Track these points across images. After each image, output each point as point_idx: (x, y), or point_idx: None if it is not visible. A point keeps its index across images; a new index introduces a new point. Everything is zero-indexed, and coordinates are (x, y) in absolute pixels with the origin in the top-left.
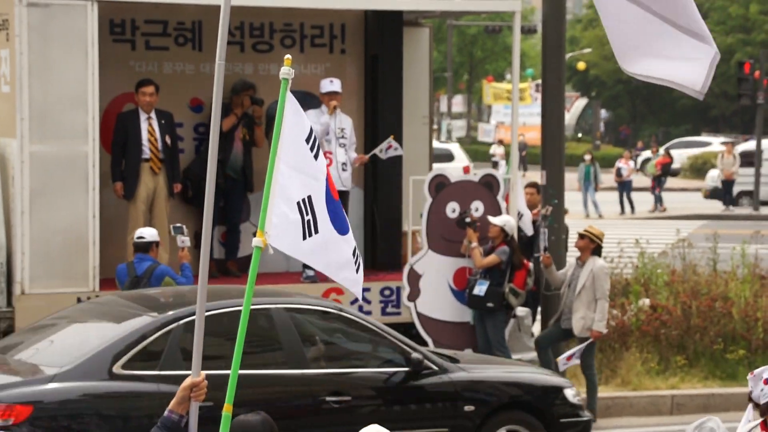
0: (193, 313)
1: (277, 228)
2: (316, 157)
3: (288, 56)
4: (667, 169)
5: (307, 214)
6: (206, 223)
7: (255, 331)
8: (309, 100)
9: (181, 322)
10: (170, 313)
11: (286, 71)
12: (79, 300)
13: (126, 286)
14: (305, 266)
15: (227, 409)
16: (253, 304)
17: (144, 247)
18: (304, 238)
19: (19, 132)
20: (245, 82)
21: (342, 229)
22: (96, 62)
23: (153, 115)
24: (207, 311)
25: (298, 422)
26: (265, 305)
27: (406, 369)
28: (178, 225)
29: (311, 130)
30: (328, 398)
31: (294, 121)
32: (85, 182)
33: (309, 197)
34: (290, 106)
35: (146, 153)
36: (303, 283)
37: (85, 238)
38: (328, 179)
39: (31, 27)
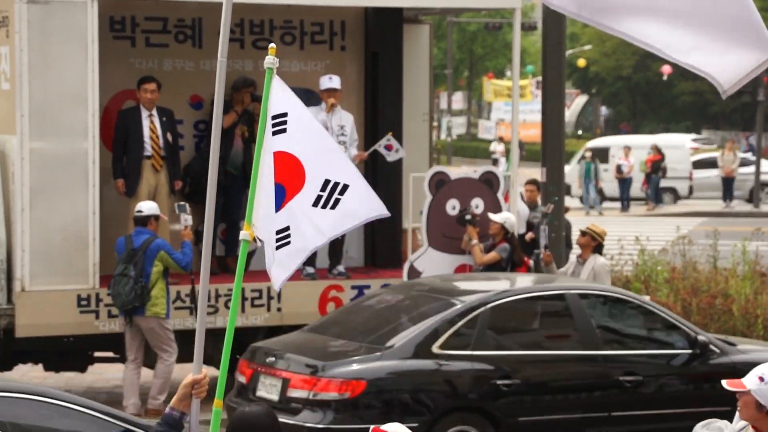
0: (498, 298)
1: (263, 219)
2: (273, 135)
3: (272, 45)
4: (657, 167)
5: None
6: (208, 219)
7: (553, 314)
8: (309, 97)
9: (488, 306)
10: (477, 297)
11: (270, 60)
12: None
13: (122, 259)
14: (305, 263)
15: (217, 405)
16: (549, 290)
17: (142, 221)
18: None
19: (19, 129)
20: (246, 79)
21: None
22: (96, 59)
23: (154, 112)
24: (514, 296)
25: (595, 399)
26: (560, 291)
27: (691, 351)
28: (182, 203)
29: (285, 112)
30: (621, 378)
31: (272, 106)
32: (85, 179)
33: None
34: (280, 94)
35: (148, 150)
36: (303, 279)
37: (85, 235)
38: (276, 160)
39: (31, 24)
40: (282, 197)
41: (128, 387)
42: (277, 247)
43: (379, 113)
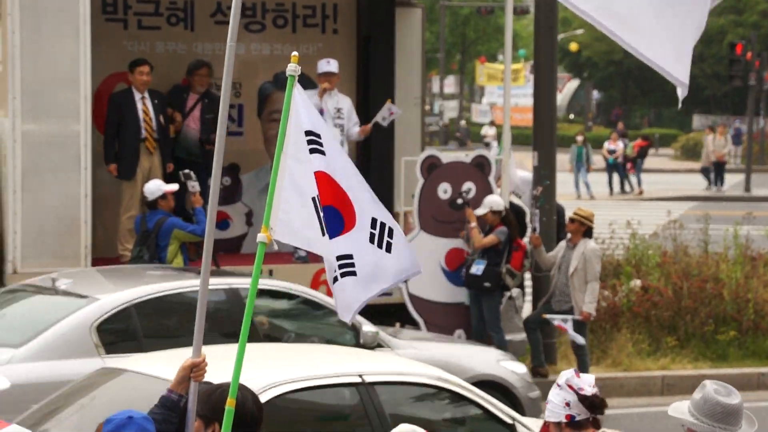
0: None
1: (285, 224)
2: (311, 152)
3: (295, 53)
4: (644, 152)
5: (321, 211)
6: (211, 209)
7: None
8: (302, 81)
9: None
10: None
11: (292, 68)
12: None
13: (137, 242)
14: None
15: (230, 404)
16: None
17: (150, 205)
18: (323, 234)
19: (11, 111)
20: (199, 61)
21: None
22: (88, 41)
23: (146, 94)
24: None
25: None
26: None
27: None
28: (187, 171)
29: (319, 134)
30: None
31: (301, 117)
32: (77, 161)
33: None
34: (300, 101)
35: (142, 133)
36: (295, 263)
37: (77, 217)
38: (318, 181)
39: (23, 5)
40: (340, 223)
41: None
42: (342, 274)
43: (371, 97)
